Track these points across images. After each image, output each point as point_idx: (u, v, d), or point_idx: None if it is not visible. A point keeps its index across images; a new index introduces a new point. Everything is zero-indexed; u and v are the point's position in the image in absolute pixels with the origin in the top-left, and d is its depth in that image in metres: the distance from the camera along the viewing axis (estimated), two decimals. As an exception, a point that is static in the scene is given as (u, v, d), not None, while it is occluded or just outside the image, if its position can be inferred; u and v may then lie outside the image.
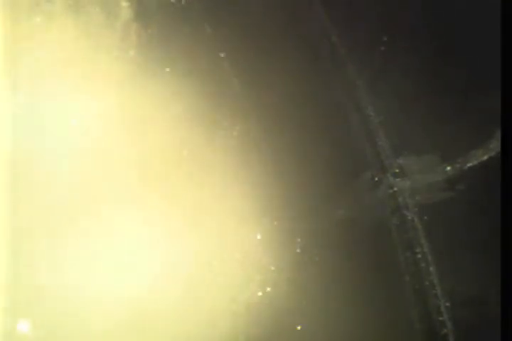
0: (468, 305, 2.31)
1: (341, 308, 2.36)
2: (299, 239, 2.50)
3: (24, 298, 2.17)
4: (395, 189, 2.57)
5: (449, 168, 2.51)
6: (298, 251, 2.50)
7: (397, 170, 2.59)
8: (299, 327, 2.40)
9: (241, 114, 2.66)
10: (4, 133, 2.29)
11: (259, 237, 2.49)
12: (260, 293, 2.42)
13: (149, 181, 2.44)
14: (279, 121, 2.65)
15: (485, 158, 2.44)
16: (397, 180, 2.58)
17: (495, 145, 2.43)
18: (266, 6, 2.78)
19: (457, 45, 2.57)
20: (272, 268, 2.46)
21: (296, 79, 2.60)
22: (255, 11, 2.78)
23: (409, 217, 2.51)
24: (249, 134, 2.64)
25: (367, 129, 2.67)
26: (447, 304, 2.34)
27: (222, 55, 2.73)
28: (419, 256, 2.43)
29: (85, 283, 2.25)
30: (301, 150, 2.60)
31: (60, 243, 2.26)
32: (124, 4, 2.61)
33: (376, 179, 2.60)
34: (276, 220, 2.51)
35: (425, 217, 2.48)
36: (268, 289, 2.43)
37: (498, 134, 2.42)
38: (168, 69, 2.61)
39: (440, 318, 2.33)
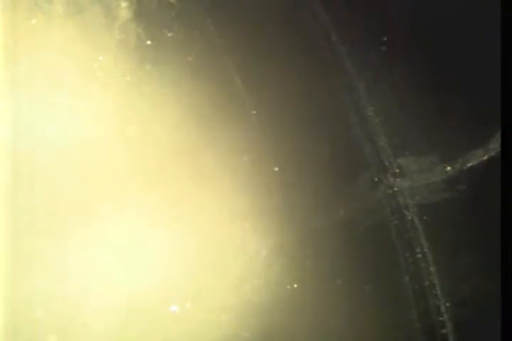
0: (468, 305, 2.31)
1: (340, 308, 2.37)
2: (298, 239, 2.51)
3: (24, 298, 2.18)
4: (395, 189, 2.56)
5: (449, 168, 2.50)
6: (297, 251, 2.50)
7: (397, 170, 2.59)
8: (297, 326, 2.41)
9: (241, 114, 2.67)
10: (4, 134, 2.29)
11: (259, 237, 2.50)
12: (261, 292, 2.43)
13: (150, 182, 2.45)
14: (278, 121, 2.65)
15: (485, 158, 2.43)
16: (397, 180, 2.57)
17: (495, 145, 2.42)
18: (266, 6, 2.78)
19: (457, 44, 2.56)
20: (271, 266, 2.47)
21: (296, 79, 2.61)
22: (255, 11, 2.78)
23: (409, 217, 2.50)
24: (250, 135, 2.65)
25: (367, 129, 2.67)
26: (447, 304, 2.33)
27: (223, 54, 2.73)
28: (419, 256, 2.42)
29: (85, 283, 2.26)
30: (301, 150, 2.61)
31: (61, 243, 2.27)
32: (124, 4, 2.62)
33: (376, 179, 2.60)
34: (276, 220, 2.52)
35: (425, 217, 2.47)
36: (268, 288, 2.44)
37: (498, 134, 2.41)
38: (168, 70, 2.62)
39: (440, 318, 2.33)
